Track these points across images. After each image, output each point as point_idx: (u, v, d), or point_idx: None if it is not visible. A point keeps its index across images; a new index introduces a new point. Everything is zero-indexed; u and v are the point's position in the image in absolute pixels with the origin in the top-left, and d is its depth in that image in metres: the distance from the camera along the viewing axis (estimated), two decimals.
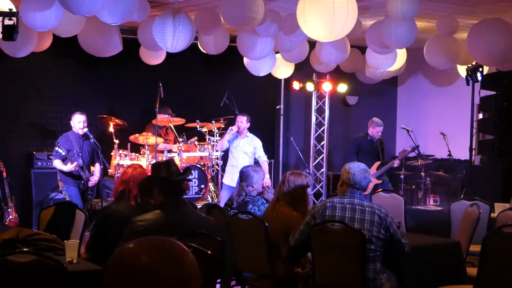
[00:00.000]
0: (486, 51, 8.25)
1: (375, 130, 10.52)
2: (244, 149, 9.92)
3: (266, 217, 5.72)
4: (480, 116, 10.88)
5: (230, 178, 9.83)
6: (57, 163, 8.79)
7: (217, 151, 10.48)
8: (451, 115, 12.44)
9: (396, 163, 10.58)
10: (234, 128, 9.89)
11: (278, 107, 12.65)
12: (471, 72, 9.57)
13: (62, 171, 8.80)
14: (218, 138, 10.56)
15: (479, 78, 9.53)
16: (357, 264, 4.91)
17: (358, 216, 4.98)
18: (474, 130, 10.24)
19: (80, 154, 8.86)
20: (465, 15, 9.27)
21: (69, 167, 8.67)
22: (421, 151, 11.13)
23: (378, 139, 10.60)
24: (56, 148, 8.63)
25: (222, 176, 10.32)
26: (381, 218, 4.99)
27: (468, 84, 9.77)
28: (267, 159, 10.10)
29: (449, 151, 10.96)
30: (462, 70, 10.18)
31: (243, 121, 9.94)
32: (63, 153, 8.64)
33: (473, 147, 10.14)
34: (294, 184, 5.76)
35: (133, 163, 8.93)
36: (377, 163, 10.49)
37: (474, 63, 9.50)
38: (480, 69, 9.46)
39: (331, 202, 5.10)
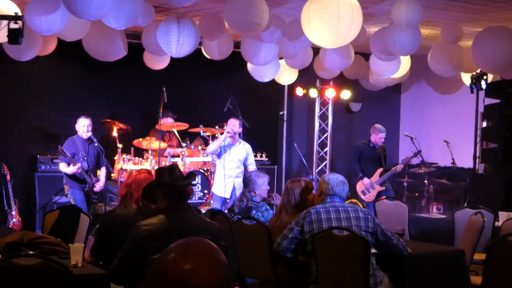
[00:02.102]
0: (491, 59, 8.24)
1: (378, 136, 10.49)
2: (239, 156, 9.27)
3: (272, 227, 5.72)
4: (484, 124, 10.87)
5: (225, 189, 9.20)
6: (62, 166, 8.78)
7: (207, 154, 10.09)
8: (455, 123, 12.42)
9: (399, 168, 10.55)
10: (230, 131, 9.15)
11: (281, 113, 12.65)
12: (475, 80, 9.55)
13: (67, 175, 8.79)
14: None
15: (483, 86, 9.51)
16: (361, 269, 4.91)
17: (343, 216, 5.10)
18: (478, 138, 10.22)
19: (85, 158, 8.83)
20: (469, 23, 9.27)
21: (71, 168, 8.64)
22: (425, 158, 11.10)
23: (380, 146, 10.58)
24: (61, 152, 8.62)
25: None
26: (364, 213, 5.14)
27: (472, 92, 9.76)
28: (256, 167, 9.31)
29: (453, 159, 10.94)
30: (466, 78, 10.17)
31: (236, 124, 9.22)
32: (68, 156, 8.63)
33: (477, 155, 10.11)
34: (293, 192, 5.79)
35: (141, 167, 8.91)
36: (380, 170, 10.48)
37: (478, 71, 9.49)
38: (485, 77, 9.45)
39: (315, 208, 5.19)
